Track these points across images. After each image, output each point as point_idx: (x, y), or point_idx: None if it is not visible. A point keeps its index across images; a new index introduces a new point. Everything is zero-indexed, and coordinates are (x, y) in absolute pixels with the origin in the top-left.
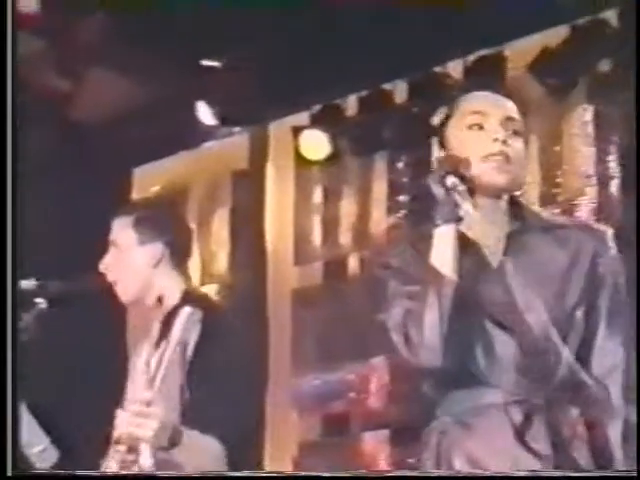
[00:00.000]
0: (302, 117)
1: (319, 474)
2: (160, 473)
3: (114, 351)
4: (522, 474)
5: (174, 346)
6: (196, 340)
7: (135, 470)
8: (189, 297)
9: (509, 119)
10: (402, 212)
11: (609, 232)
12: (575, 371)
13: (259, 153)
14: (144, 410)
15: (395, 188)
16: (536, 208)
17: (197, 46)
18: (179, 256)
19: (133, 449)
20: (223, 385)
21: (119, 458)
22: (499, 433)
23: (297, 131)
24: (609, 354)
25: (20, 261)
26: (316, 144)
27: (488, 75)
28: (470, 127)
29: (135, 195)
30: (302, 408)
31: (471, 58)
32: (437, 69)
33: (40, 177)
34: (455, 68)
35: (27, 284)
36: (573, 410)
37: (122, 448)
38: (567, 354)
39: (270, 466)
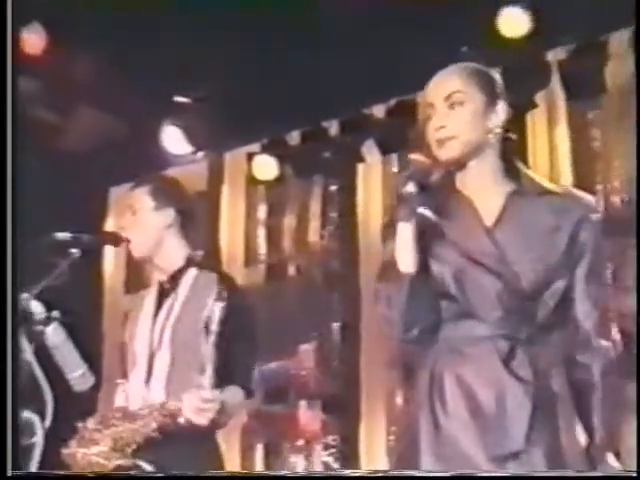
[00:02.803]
0: (254, 147)
1: (318, 474)
2: (160, 473)
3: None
4: (521, 474)
5: (186, 302)
6: (213, 299)
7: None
8: (192, 261)
9: (448, 96)
10: (333, 226)
11: (594, 201)
12: (556, 314)
13: (216, 177)
14: (205, 405)
15: (328, 206)
16: (531, 173)
17: (165, 84)
18: (186, 223)
19: (175, 417)
20: (244, 342)
21: (161, 421)
22: (487, 360)
23: (251, 156)
24: (588, 303)
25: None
26: (266, 167)
27: (405, 116)
28: (425, 118)
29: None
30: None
31: (391, 102)
32: (364, 111)
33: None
34: (378, 110)
35: (63, 236)
36: (553, 345)
37: (166, 413)
38: (547, 299)
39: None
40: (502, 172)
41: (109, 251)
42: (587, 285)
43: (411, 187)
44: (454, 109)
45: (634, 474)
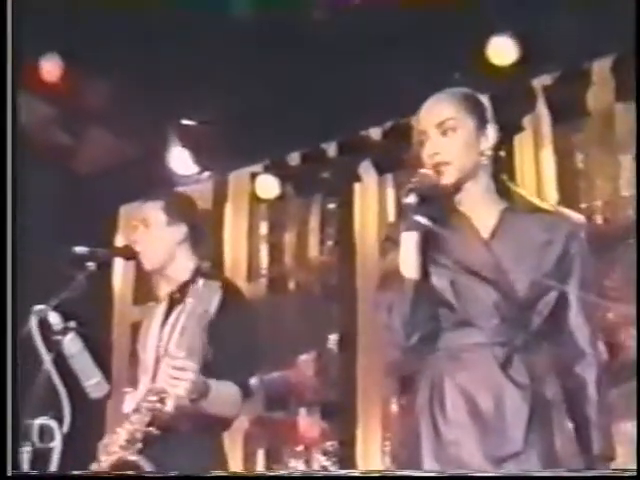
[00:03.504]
0: (257, 167)
1: (315, 474)
2: (160, 473)
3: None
4: (520, 474)
5: (191, 310)
6: (217, 305)
7: (160, 415)
8: (201, 272)
9: (441, 123)
10: (331, 242)
11: (582, 219)
12: (549, 322)
13: (220, 196)
14: (178, 372)
15: (326, 223)
16: (522, 191)
17: (173, 108)
18: (197, 238)
19: (163, 400)
20: (240, 341)
21: (150, 407)
22: (486, 366)
23: (254, 176)
24: (579, 311)
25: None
26: (268, 186)
27: (400, 138)
28: (419, 143)
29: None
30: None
31: (387, 125)
32: (361, 133)
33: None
34: (375, 132)
35: (80, 250)
36: (547, 352)
37: (154, 398)
38: (541, 308)
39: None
40: (494, 191)
41: (119, 264)
42: (579, 294)
43: (412, 198)
44: (447, 136)
45: (634, 474)
